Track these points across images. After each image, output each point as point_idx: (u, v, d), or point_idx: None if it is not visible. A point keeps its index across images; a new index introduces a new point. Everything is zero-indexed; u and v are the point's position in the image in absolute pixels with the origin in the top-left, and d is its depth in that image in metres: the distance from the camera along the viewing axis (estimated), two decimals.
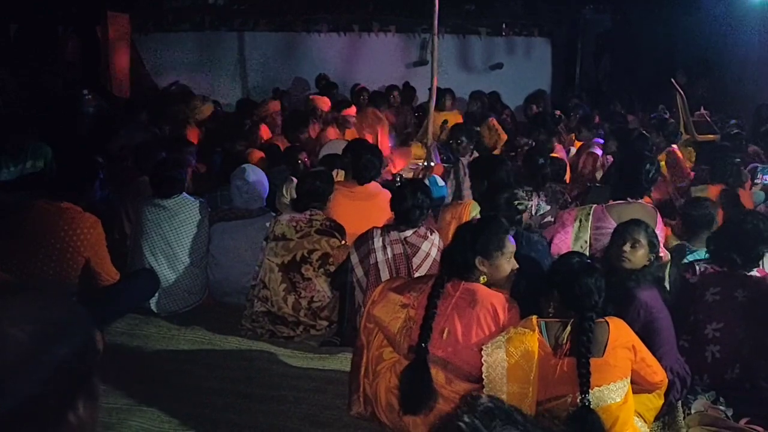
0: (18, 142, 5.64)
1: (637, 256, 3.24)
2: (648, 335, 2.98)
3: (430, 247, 3.83)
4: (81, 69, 9.11)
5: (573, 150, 7.15)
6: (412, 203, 3.82)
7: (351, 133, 7.16)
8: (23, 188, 5.26)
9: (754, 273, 3.47)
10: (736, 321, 3.38)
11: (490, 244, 2.96)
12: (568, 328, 2.68)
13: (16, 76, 7.99)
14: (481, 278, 2.98)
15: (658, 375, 2.82)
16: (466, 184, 5.21)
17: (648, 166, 4.79)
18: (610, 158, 6.17)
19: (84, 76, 8.83)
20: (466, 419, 1.13)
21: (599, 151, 6.52)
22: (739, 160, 5.40)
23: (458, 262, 2.95)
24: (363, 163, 4.79)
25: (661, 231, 4.29)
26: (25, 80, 8.01)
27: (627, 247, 3.25)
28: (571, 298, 2.77)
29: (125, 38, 9.76)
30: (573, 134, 7.46)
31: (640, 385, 2.83)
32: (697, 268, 3.56)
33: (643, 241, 3.26)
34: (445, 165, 6.42)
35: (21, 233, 3.85)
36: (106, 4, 9.23)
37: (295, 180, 5.24)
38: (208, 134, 7.63)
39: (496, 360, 2.64)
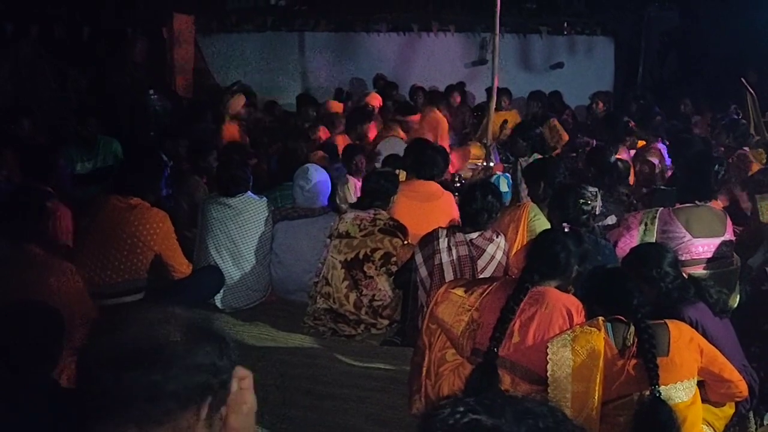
0: (90, 135, 5.82)
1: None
2: None
3: (495, 249, 3.80)
4: (147, 69, 9.36)
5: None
6: (481, 206, 3.81)
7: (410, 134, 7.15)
8: (96, 182, 5.44)
9: None
10: None
11: (589, 253, 2.97)
12: (632, 327, 2.63)
13: (86, 75, 8.27)
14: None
15: (735, 373, 2.71)
16: (524, 185, 5.16)
17: (717, 167, 4.68)
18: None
19: (149, 75, 9.07)
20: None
21: (655, 160, 6.30)
22: None
23: (559, 269, 2.92)
24: (425, 158, 4.81)
25: (730, 236, 4.17)
26: (95, 80, 8.29)
27: None
28: (613, 307, 2.71)
29: (189, 39, 9.99)
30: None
31: (715, 385, 2.74)
32: None
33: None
34: (505, 165, 6.38)
35: (95, 229, 4.00)
36: (172, 6, 9.47)
37: (350, 179, 5.30)
38: (262, 129, 7.73)
39: (561, 358, 2.60)
